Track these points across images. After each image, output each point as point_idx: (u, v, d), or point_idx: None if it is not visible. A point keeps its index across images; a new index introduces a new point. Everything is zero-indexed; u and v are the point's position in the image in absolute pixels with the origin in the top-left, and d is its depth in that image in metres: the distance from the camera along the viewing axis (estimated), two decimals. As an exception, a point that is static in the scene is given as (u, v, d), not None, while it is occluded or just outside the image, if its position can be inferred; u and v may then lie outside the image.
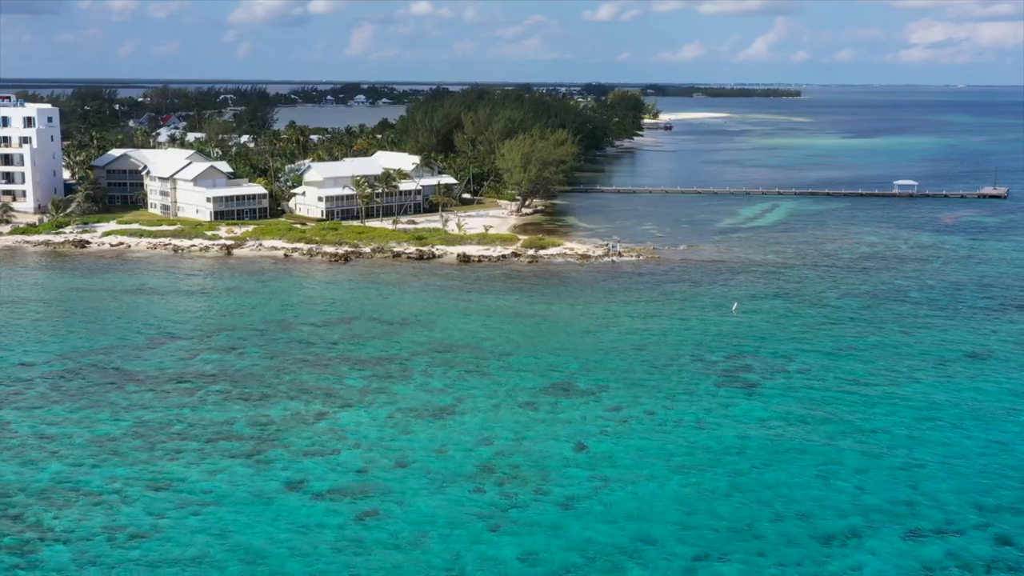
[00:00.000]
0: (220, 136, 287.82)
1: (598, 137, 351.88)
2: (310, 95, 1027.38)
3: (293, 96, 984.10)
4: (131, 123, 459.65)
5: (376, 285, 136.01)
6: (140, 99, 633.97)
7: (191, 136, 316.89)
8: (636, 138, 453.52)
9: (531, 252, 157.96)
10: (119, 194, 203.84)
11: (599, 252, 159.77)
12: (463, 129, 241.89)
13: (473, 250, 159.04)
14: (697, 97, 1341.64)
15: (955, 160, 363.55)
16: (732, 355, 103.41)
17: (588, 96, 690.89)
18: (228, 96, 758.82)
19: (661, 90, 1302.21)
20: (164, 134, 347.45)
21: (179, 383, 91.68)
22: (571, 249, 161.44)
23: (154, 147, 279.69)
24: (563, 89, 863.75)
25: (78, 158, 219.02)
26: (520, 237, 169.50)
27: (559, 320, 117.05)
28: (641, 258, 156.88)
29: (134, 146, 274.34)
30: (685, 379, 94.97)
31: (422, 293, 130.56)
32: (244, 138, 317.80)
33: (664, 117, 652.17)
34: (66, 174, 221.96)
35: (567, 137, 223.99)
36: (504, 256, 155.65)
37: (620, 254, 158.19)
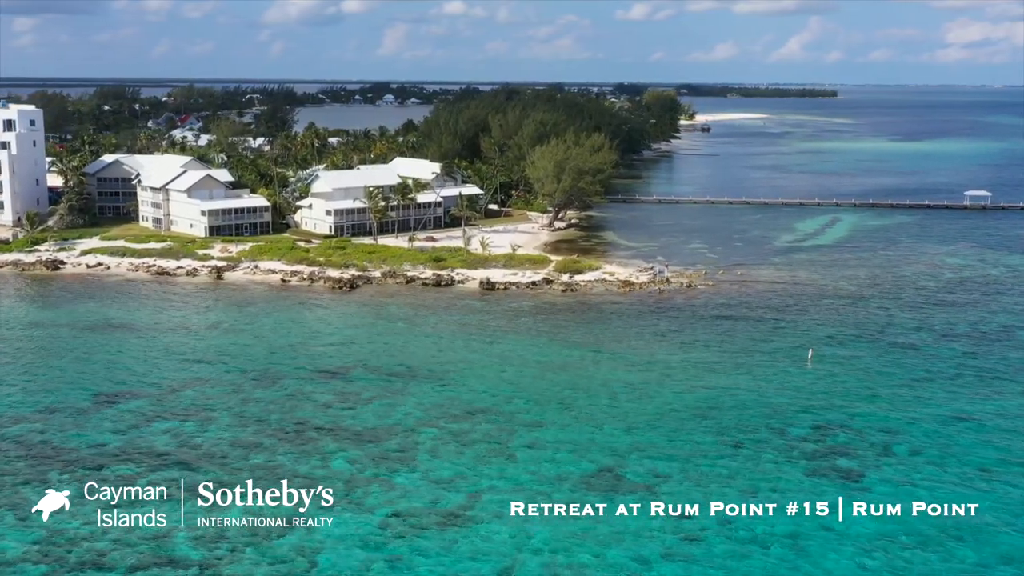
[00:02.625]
0: (230, 139, 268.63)
1: (635, 140, 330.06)
2: (338, 95, 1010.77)
3: (321, 96, 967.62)
4: (150, 123, 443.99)
5: (383, 321, 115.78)
6: (164, 98, 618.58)
7: (204, 138, 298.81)
8: (673, 140, 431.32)
9: (565, 278, 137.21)
10: (110, 204, 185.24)
11: (643, 278, 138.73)
12: (490, 133, 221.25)
13: (498, 275, 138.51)
14: (731, 97, 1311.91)
15: (1019, 166, 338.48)
16: (819, 426, 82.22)
17: (621, 96, 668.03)
18: (254, 96, 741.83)
19: (694, 90, 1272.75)
20: (176, 136, 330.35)
21: (118, 467, 71.78)
22: (611, 274, 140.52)
23: (165, 150, 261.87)
24: (595, 89, 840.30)
25: (72, 163, 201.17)
26: (552, 258, 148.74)
27: (600, 372, 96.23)
28: (692, 285, 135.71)
29: (138, 150, 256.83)
30: (765, 465, 73.93)
31: (436, 333, 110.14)
32: (259, 141, 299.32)
33: (700, 118, 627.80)
34: (59, 181, 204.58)
35: (604, 142, 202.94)
36: (534, 283, 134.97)
37: (668, 280, 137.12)
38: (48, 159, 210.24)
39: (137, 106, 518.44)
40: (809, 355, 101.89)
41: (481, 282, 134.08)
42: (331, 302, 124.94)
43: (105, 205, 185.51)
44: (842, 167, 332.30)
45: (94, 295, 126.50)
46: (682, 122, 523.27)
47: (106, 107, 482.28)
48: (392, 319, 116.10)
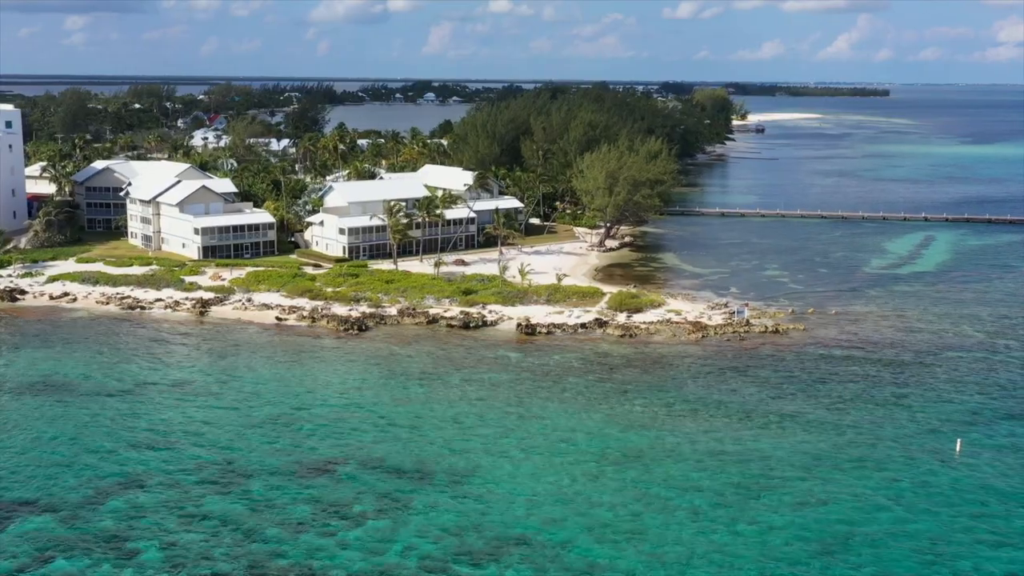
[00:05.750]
0: (249, 140, 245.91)
1: (689, 143, 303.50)
2: (379, 93, 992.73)
3: (361, 94, 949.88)
4: (179, 122, 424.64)
5: (394, 382, 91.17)
6: (200, 96, 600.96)
7: (225, 139, 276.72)
8: (727, 142, 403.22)
9: (621, 318, 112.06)
10: (100, 217, 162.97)
11: (718, 318, 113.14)
12: (532, 136, 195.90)
13: (540, 313, 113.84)
14: (779, 96, 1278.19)
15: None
16: (1005, 578, 56.47)
17: (668, 95, 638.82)
18: (292, 94, 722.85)
19: (741, 88, 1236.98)
20: (199, 136, 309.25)
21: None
22: (677, 312, 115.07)
23: (185, 152, 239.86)
24: (640, 87, 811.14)
25: (66, 170, 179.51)
26: (605, 291, 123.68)
27: (676, 471, 71.01)
28: (779, 330, 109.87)
29: (139, 155, 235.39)
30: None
31: (460, 402, 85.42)
32: (284, 143, 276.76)
33: (752, 118, 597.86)
34: (52, 188, 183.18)
35: (662, 147, 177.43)
36: (584, 325, 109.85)
37: (748, 323, 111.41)
38: (41, 164, 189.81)
39: (168, 104, 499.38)
40: (957, 446, 75.94)
41: (519, 324, 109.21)
42: (333, 351, 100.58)
43: (95, 218, 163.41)
44: (917, 173, 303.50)
45: (45, 338, 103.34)
46: (734, 122, 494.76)
47: (136, 105, 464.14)
48: (405, 380, 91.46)
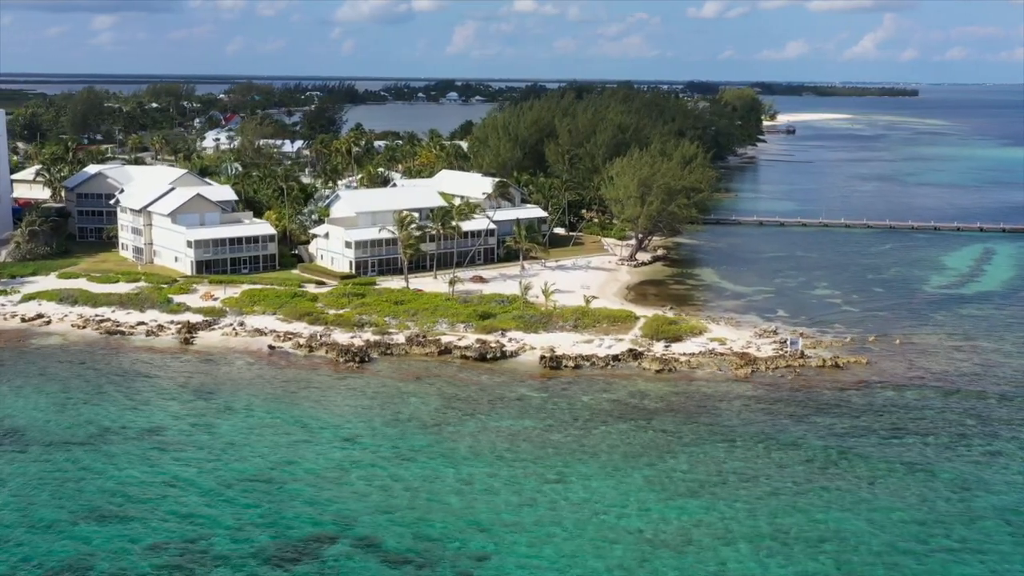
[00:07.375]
0: (259, 142, 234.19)
1: (721, 145, 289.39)
2: (402, 92, 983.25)
3: (383, 93, 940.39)
4: (195, 123, 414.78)
5: (398, 430, 78.51)
6: (220, 96, 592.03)
7: (237, 141, 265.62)
8: (758, 144, 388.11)
9: (658, 347, 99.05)
10: (92, 226, 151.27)
11: (767, 349, 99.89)
12: (557, 139, 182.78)
13: (567, 341, 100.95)
14: (805, 96, 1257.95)
15: None
16: None
17: (693, 95, 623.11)
18: (314, 93, 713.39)
19: (767, 88, 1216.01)
20: (210, 137, 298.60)
21: None
22: (721, 341, 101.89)
23: (197, 154, 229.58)
24: (665, 87, 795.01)
25: (61, 174, 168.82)
26: (638, 314, 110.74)
27: (734, 557, 58.05)
28: (839, 364, 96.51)
29: (154, 155, 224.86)
30: None
31: (473, 458, 72.64)
32: (297, 144, 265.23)
33: (781, 118, 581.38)
34: (46, 193, 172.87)
35: (696, 151, 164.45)
36: (617, 357, 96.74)
37: (802, 355, 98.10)
38: (36, 167, 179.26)
39: (186, 103, 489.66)
40: (1077, 525, 62.63)
41: (543, 356, 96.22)
42: (329, 390, 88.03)
43: (86, 227, 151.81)
44: (963, 178, 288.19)
45: (8, 370, 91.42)
46: (763, 123, 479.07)
47: (153, 104, 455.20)
48: (411, 428, 78.80)
